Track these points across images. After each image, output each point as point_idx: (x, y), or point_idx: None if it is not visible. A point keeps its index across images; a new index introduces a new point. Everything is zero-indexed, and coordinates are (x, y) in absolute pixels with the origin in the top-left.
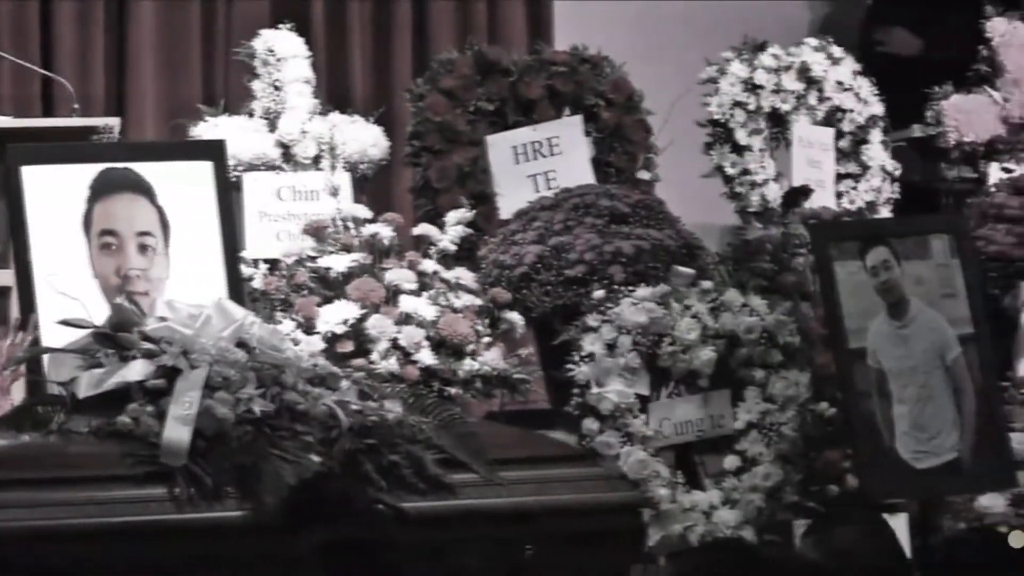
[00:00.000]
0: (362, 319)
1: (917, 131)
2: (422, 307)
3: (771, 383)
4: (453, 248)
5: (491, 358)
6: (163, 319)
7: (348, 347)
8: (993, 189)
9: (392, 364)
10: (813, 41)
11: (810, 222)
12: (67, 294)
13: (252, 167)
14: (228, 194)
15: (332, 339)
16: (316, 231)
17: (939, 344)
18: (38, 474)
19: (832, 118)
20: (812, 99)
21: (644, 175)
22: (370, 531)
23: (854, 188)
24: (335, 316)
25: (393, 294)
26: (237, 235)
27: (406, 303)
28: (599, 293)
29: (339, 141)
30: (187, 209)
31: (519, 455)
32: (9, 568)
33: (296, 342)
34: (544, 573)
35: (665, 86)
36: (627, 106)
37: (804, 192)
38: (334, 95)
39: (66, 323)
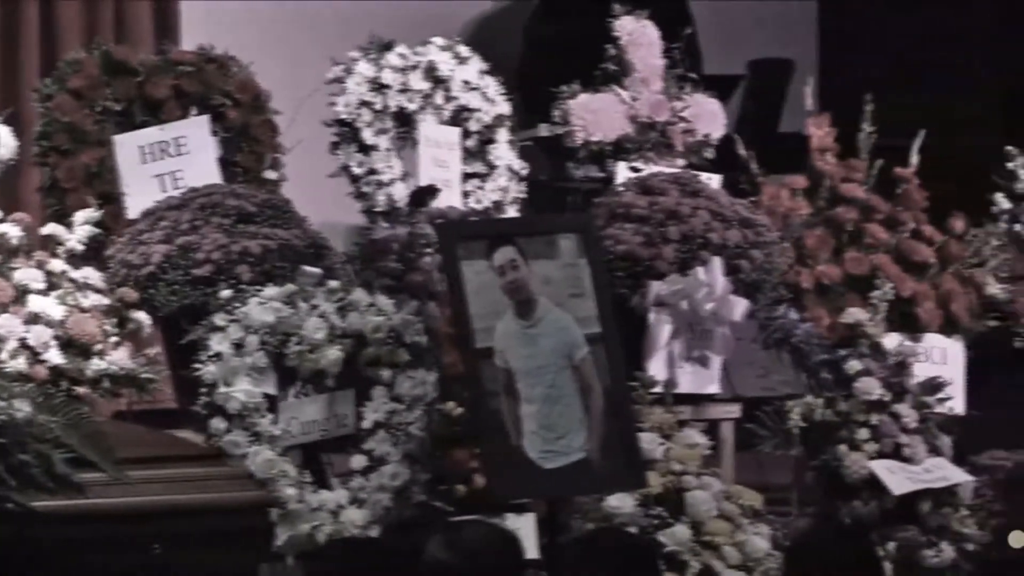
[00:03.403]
0: None
1: (544, 130)
2: (50, 307)
3: (398, 382)
4: (81, 248)
5: (119, 357)
6: None
7: None
8: (621, 188)
9: (21, 363)
10: (440, 40)
11: (437, 221)
12: None
13: None
14: None
15: None
16: None
17: (567, 343)
18: None
19: (459, 117)
20: (439, 98)
21: (271, 174)
22: None
23: (481, 187)
24: None
25: (21, 293)
26: None
27: (34, 303)
28: (226, 292)
29: None
30: None
31: (146, 454)
32: None
33: None
34: (172, 572)
35: (293, 86)
36: (254, 106)
37: (431, 192)
38: None
39: None
